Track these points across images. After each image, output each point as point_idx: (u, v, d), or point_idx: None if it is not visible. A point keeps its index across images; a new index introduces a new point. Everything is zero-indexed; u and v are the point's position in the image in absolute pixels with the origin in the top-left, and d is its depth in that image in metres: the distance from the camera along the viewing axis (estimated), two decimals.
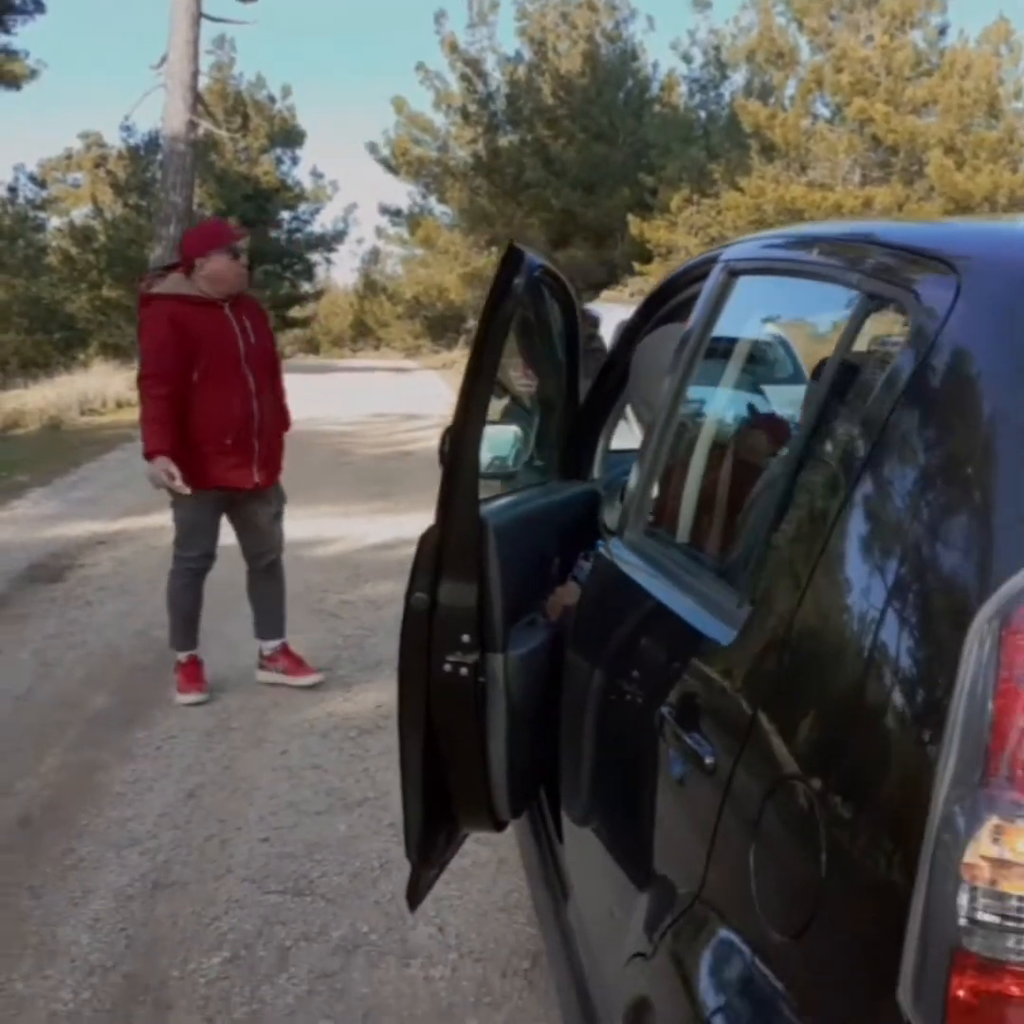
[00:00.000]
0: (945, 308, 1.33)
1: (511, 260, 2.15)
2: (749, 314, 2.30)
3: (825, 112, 23.99)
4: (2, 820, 3.66)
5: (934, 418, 1.31)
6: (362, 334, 51.61)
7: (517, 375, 3.13)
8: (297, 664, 5.04)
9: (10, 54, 25.70)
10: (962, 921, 1.08)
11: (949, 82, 21.52)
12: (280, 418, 4.87)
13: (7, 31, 25.52)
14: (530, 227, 31.16)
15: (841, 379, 1.59)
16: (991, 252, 1.43)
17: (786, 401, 2.59)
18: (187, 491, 4.45)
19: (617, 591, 2.19)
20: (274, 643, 5.02)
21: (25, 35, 33.38)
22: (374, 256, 48.60)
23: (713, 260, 2.30)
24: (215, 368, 4.57)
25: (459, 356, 33.81)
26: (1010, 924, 1.07)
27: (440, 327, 41.20)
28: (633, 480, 2.34)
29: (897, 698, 1.21)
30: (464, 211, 33.94)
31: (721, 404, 2.29)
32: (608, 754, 2.04)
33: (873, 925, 1.19)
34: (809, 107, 23.49)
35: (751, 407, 2.39)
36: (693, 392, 2.25)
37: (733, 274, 2.17)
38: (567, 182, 29.99)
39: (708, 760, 1.51)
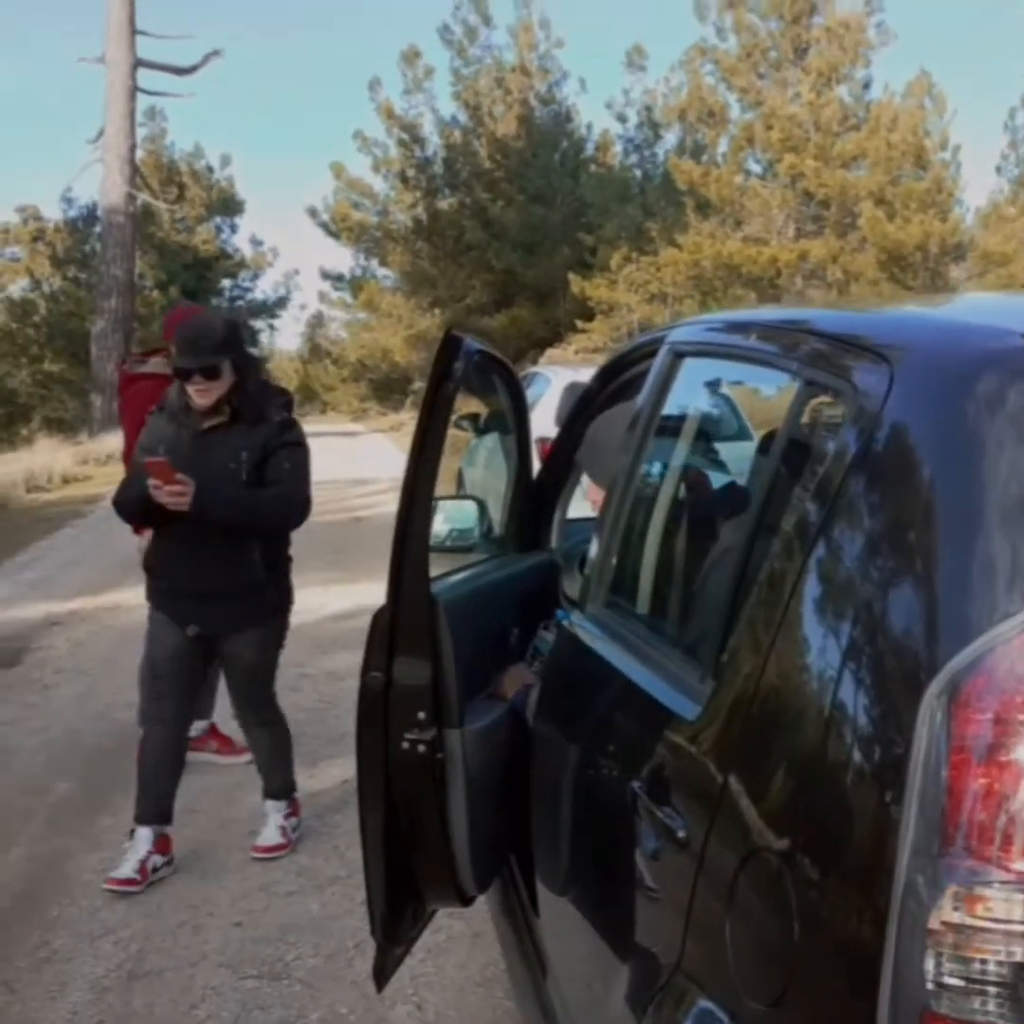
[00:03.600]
0: (881, 396, 1.44)
1: (449, 347, 2.26)
2: (696, 394, 2.39)
3: (757, 168, 24.60)
4: None
5: (879, 491, 1.41)
6: (308, 399, 51.66)
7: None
8: (228, 743, 5.06)
9: None
10: (929, 985, 1.15)
11: (876, 136, 22.13)
12: None
13: None
14: (472, 288, 31.52)
15: (789, 456, 1.69)
16: (918, 344, 1.54)
17: (734, 456, 2.69)
18: None
19: (581, 664, 2.26)
20: (203, 723, 5.02)
21: None
22: (318, 321, 48.81)
23: (660, 341, 2.40)
24: None
25: (407, 418, 33.91)
26: (975, 987, 1.13)
27: (386, 389, 41.38)
28: (592, 554, 2.41)
29: (859, 763, 1.28)
30: (406, 274, 34.27)
31: (674, 479, 2.36)
32: (582, 828, 2.09)
33: (846, 989, 1.25)
34: (741, 164, 24.05)
35: (703, 483, 2.48)
36: (647, 468, 2.34)
37: (679, 356, 2.27)
38: (507, 243, 30.41)
39: (681, 834, 1.56)
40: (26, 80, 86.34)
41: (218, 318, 4.18)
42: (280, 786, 4.15)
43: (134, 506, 3.77)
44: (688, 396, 2.34)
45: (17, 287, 35.37)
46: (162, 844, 3.90)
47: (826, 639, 1.39)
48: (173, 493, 3.57)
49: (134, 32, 21.12)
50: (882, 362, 1.49)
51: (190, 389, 3.75)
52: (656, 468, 2.36)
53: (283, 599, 4.03)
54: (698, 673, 1.71)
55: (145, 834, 3.85)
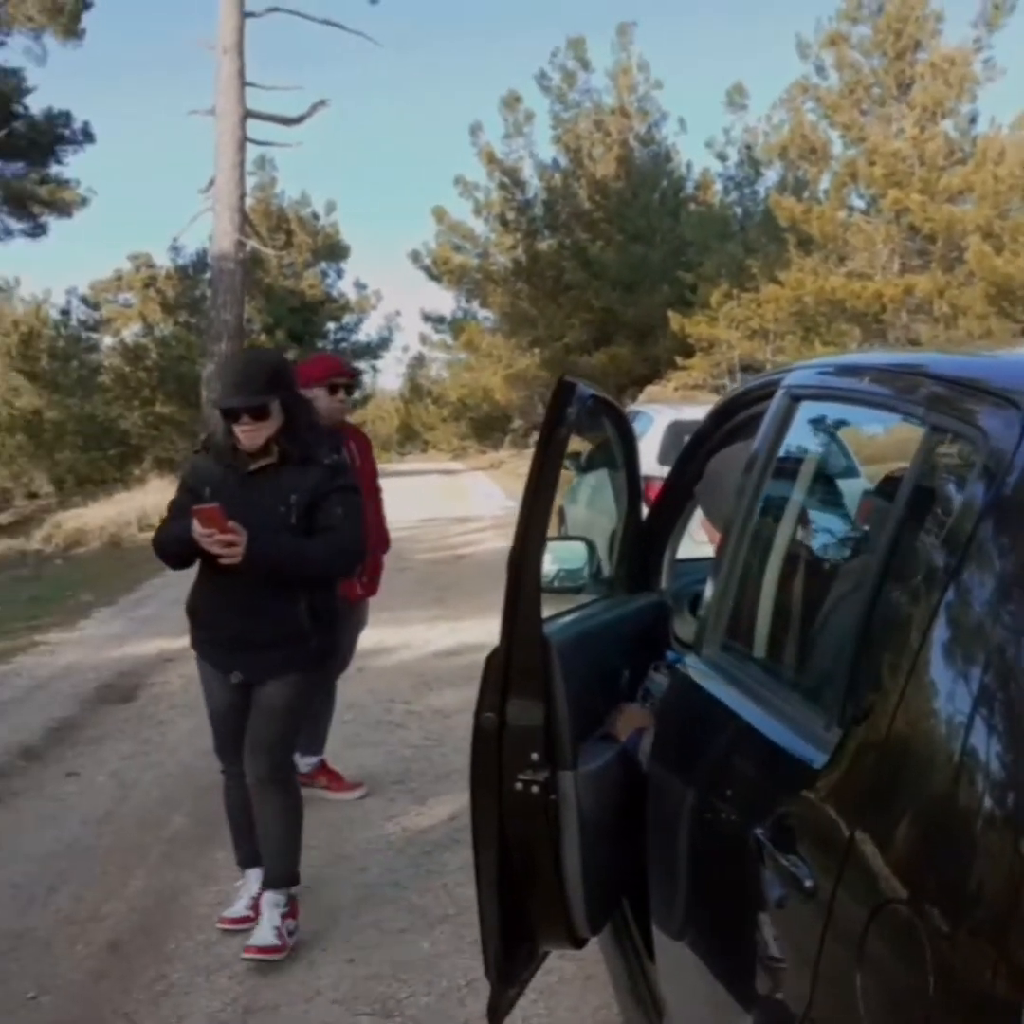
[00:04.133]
0: (1013, 440, 1.44)
1: (562, 392, 2.29)
2: (813, 437, 2.38)
3: (860, 204, 24.30)
4: (94, 945, 3.71)
5: (1011, 536, 1.41)
6: (409, 438, 52.32)
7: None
8: (338, 779, 5.14)
9: (62, 183, 26.76)
10: None
11: (983, 169, 21.74)
12: (380, 538, 5.10)
13: (59, 161, 26.62)
14: (571, 327, 31.64)
15: (916, 503, 1.67)
16: None
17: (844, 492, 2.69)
18: None
19: (699, 709, 2.25)
20: (314, 759, 5.09)
21: (76, 164, 34.63)
22: (419, 362, 49.44)
23: (775, 383, 2.40)
24: None
25: (506, 456, 34.09)
26: None
27: (486, 428, 41.69)
28: (708, 596, 2.41)
29: (994, 813, 1.26)
30: (506, 315, 34.53)
31: (791, 523, 2.35)
32: (700, 872, 2.08)
33: None
34: (844, 200, 23.78)
35: (819, 525, 2.46)
36: (763, 510, 2.33)
37: (795, 399, 2.27)
38: (607, 283, 30.48)
39: (807, 883, 1.55)
40: (139, 133, 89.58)
41: (267, 355, 3.94)
42: (281, 874, 3.77)
43: (176, 546, 3.62)
44: (805, 439, 2.33)
45: (130, 332, 36.46)
46: None
47: (957, 685, 1.39)
48: (223, 543, 3.44)
49: (243, 84, 21.71)
50: (1010, 406, 1.48)
51: (237, 429, 3.59)
52: (773, 511, 2.35)
53: (327, 648, 3.84)
54: (823, 720, 1.70)
55: (254, 874, 3.87)
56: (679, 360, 27.61)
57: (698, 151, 66.41)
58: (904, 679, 1.46)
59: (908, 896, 1.35)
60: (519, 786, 2.28)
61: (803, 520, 2.37)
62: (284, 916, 3.70)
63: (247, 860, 3.89)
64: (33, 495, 32.75)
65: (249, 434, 3.57)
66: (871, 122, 23.71)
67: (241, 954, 3.61)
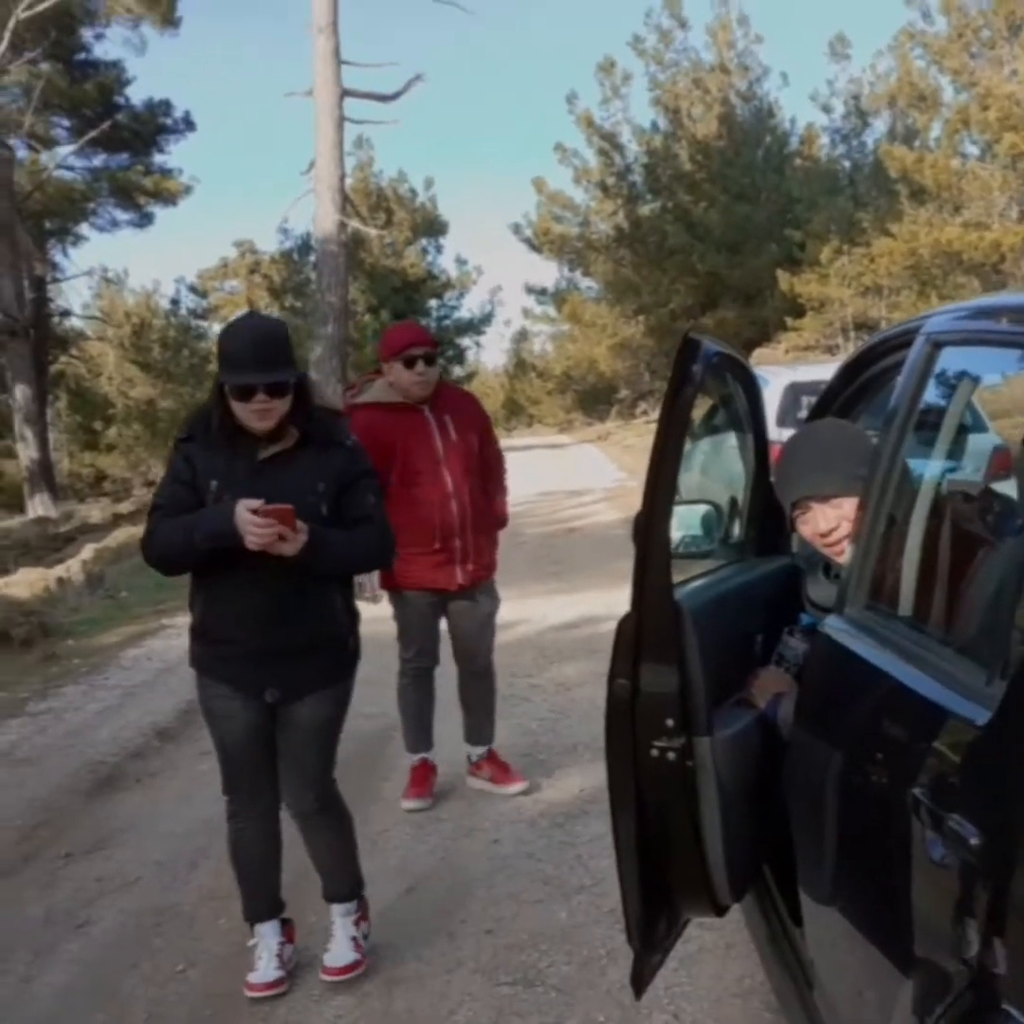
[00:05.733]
0: None
1: (687, 351, 2.22)
2: (957, 384, 2.29)
3: (974, 150, 23.53)
4: (236, 919, 3.71)
5: None
6: (514, 413, 52.38)
7: None
8: (503, 771, 4.94)
9: (165, 173, 27.23)
10: None
11: None
12: (487, 514, 4.77)
13: (161, 151, 27.09)
14: (676, 293, 31.29)
15: None
16: None
17: (973, 450, 2.58)
18: (375, 602, 4.50)
19: (845, 669, 2.19)
20: (480, 749, 4.95)
21: (178, 153, 35.28)
22: (522, 336, 49.44)
23: (913, 331, 2.32)
24: (409, 472, 4.50)
25: (613, 427, 33.90)
26: None
27: (592, 399, 41.56)
28: (849, 556, 2.34)
29: None
30: (609, 283, 34.32)
31: (936, 475, 2.27)
32: (852, 836, 2.02)
33: None
34: (957, 147, 23.06)
35: (964, 477, 2.37)
36: (907, 464, 2.25)
37: (937, 346, 2.18)
38: (711, 245, 30.07)
39: (973, 841, 1.49)
40: (241, 117, 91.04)
41: (277, 324, 3.32)
42: (346, 887, 3.47)
43: (206, 543, 3.06)
44: (950, 387, 2.24)
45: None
46: (288, 932, 3.50)
47: None
48: (271, 538, 2.97)
49: (339, 64, 21.79)
50: None
51: (248, 409, 3.09)
52: (916, 464, 2.27)
53: (358, 650, 3.42)
54: (982, 675, 1.63)
55: (270, 928, 3.42)
56: (789, 321, 27.15)
57: (802, 105, 65.12)
58: None
59: None
60: (654, 753, 2.25)
61: (950, 471, 2.28)
62: (357, 921, 3.46)
63: (260, 913, 3.43)
64: (151, 484, 33.58)
65: (264, 414, 3.10)
66: (982, 65, 22.88)
67: (383, 925, 3.62)
